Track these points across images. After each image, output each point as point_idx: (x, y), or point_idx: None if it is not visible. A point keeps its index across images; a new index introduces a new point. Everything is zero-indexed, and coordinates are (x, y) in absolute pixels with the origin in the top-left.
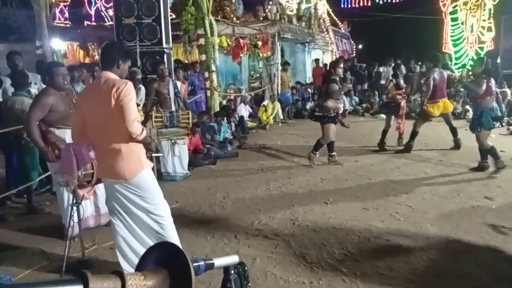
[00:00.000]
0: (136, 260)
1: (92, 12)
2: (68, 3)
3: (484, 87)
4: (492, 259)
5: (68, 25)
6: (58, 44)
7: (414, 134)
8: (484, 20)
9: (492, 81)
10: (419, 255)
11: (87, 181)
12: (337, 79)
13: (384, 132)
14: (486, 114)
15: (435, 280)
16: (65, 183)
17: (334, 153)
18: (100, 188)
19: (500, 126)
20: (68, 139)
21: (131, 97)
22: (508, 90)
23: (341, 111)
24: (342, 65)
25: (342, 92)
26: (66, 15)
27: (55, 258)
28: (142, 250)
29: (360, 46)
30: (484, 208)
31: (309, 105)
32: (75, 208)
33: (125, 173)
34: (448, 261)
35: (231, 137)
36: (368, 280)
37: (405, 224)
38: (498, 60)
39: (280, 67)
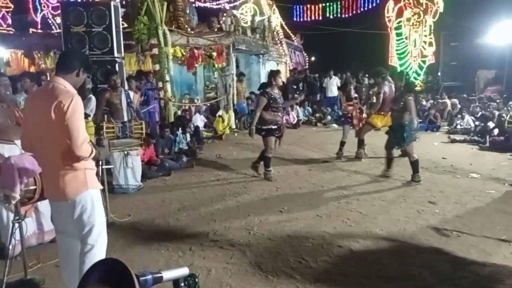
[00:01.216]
0: (67, 282)
1: (38, 19)
2: (11, 9)
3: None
4: (436, 260)
5: (12, 32)
6: (0, 52)
7: (360, 142)
8: (426, 36)
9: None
10: (369, 259)
11: (28, 197)
12: (271, 91)
13: (342, 143)
14: (408, 129)
15: (385, 283)
16: (6, 198)
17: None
18: (44, 204)
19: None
20: (7, 154)
21: (79, 116)
22: (448, 101)
23: (283, 122)
24: (281, 75)
25: (280, 106)
26: (9, 21)
27: None
28: (71, 275)
29: (313, 58)
30: (428, 212)
31: None
32: (16, 225)
33: (65, 191)
34: (396, 264)
35: (186, 147)
36: (322, 286)
37: (356, 229)
38: (439, 73)
39: (235, 78)
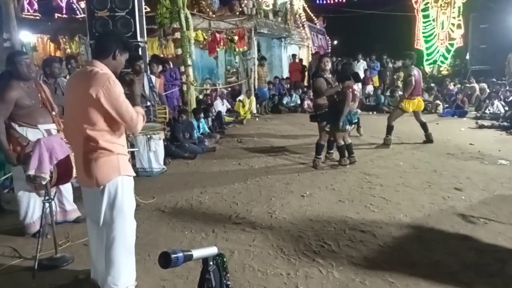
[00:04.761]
0: (95, 262)
1: (63, 4)
2: None
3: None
4: (461, 247)
5: (38, 17)
6: (27, 37)
7: (389, 128)
8: (454, 18)
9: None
10: (392, 245)
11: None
12: (325, 75)
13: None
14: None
15: (408, 268)
16: (28, 179)
17: (332, 151)
18: (65, 185)
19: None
20: (30, 138)
21: (123, 97)
22: (476, 86)
23: None
24: (326, 60)
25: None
26: (36, 7)
27: (26, 256)
28: (100, 257)
29: (335, 42)
30: (454, 199)
31: (285, 100)
32: (47, 204)
33: (97, 177)
34: (420, 250)
35: (209, 131)
36: (344, 270)
37: (379, 215)
38: (467, 57)
39: (256, 62)
